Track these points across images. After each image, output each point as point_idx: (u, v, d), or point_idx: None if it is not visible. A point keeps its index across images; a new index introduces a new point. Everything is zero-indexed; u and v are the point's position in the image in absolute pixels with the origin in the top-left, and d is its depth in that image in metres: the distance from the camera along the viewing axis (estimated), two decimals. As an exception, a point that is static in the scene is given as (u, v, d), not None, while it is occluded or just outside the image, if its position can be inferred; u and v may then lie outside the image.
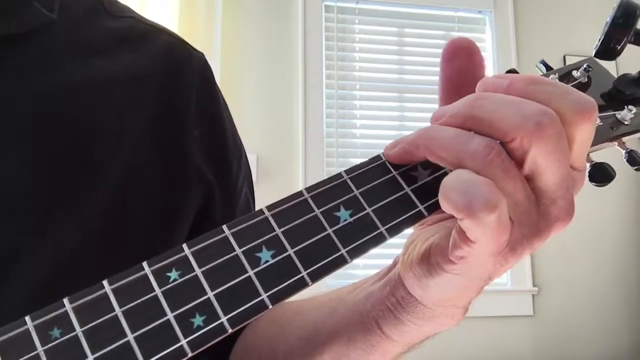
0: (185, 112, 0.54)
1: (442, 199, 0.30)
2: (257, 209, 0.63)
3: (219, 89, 0.59)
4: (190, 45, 0.59)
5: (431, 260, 0.34)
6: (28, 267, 0.43)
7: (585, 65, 0.41)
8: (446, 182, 0.30)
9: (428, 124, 0.34)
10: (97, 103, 0.49)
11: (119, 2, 0.58)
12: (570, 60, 2.42)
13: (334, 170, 2.27)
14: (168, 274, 0.29)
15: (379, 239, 0.32)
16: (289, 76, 2.29)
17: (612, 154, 0.43)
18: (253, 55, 2.27)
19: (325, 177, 0.33)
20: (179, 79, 0.54)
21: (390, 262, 0.41)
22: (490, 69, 2.44)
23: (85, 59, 0.50)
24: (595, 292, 2.36)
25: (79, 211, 0.46)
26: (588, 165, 0.38)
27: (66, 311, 0.28)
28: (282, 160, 2.22)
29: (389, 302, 0.38)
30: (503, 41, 2.46)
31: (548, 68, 0.42)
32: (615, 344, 2.34)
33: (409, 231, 0.36)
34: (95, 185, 0.47)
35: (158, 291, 0.29)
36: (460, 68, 0.36)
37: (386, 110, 2.38)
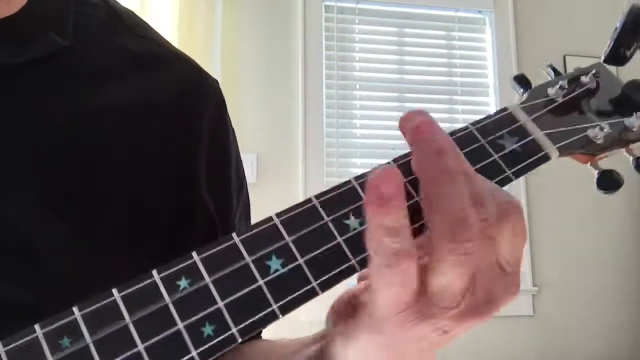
0: (197, 144, 0.53)
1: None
2: (255, 213, 0.63)
3: (229, 119, 0.59)
4: (206, 73, 0.58)
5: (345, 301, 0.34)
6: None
7: (594, 71, 0.41)
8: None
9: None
10: (110, 131, 0.49)
11: (136, 16, 0.57)
12: (570, 60, 2.42)
13: (334, 171, 2.27)
14: (178, 283, 0.29)
15: None
16: (289, 76, 2.28)
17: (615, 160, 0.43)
18: (253, 55, 2.27)
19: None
20: (192, 111, 0.54)
21: None
22: (490, 69, 2.45)
23: (98, 84, 0.50)
24: (595, 292, 2.36)
25: (87, 243, 0.45)
26: (596, 172, 0.38)
27: (76, 320, 0.28)
28: (282, 160, 2.22)
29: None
30: (503, 41, 2.46)
31: (556, 73, 0.42)
32: (615, 344, 2.34)
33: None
34: (103, 217, 0.46)
35: (168, 300, 0.29)
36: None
37: (386, 110, 2.38)
